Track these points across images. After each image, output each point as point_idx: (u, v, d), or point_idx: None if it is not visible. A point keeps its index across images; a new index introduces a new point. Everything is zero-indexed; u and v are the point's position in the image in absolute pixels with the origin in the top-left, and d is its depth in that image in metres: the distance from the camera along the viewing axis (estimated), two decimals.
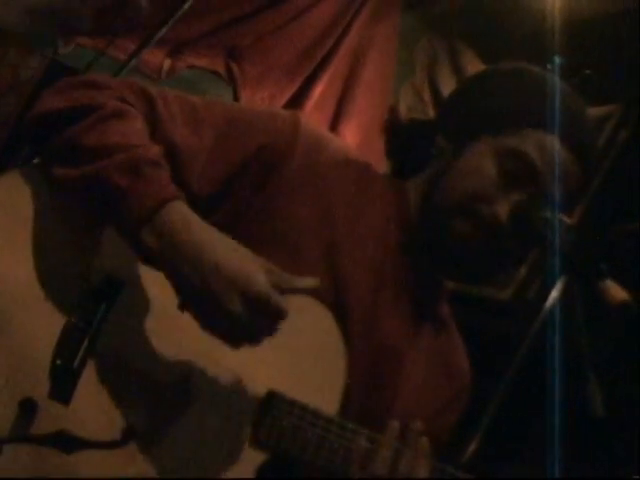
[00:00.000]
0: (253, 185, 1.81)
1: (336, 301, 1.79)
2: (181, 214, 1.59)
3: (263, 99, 4.87)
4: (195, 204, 1.74)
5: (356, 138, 4.96)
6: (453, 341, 2.04)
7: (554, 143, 1.83)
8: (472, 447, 3.13)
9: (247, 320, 1.55)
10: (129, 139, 1.65)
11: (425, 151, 1.96)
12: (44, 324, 1.64)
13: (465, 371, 2.03)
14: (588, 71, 3.92)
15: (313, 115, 4.92)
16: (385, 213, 1.92)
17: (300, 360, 1.73)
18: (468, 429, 3.12)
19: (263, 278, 1.57)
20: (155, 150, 1.66)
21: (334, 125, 4.99)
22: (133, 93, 1.77)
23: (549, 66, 3.95)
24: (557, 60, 4.07)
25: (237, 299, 1.54)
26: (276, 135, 1.84)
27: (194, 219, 1.60)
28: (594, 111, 4.32)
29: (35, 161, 1.78)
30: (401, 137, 2.03)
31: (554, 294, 3.03)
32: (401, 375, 1.89)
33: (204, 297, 1.54)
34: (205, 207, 1.77)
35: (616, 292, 1.69)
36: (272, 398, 1.70)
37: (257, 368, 1.69)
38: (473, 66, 5.21)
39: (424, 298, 1.95)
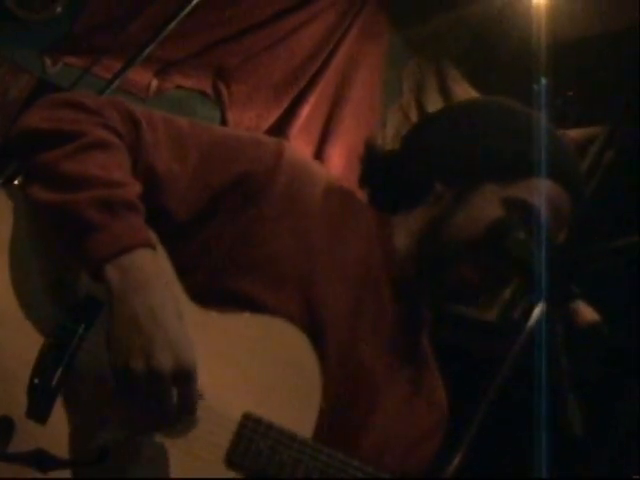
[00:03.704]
0: (233, 211, 1.82)
1: (313, 328, 1.79)
2: (148, 261, 1.62)
3: (250, 119, 4.88)
4: (174, 228, 1.77)
5: (342, 159, 4.97)
6: (431, 372, 2.04)
7: (555, 189, 1.90)
8: (454, 464, 3.14)
9: (165, 381, 1.57)
10: (110, 174, 1.66)
11: (404, 186, 1.99)
12: (23, 343, 1.64)
13: (443, 402, 2.03)
14: (571, 92, 3.95)
15: (300, 136, 4.93)
16: (368, 244, 1.92)
17: (275, 384, 1.73)
18: (450, 449, 3.13)
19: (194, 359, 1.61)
20: (134, 190, 1.68)
21: (321, 145, 5.00)
22: (119, 116, 1.77)
23: (535, 87, 3.98)
24: (543, 81, 4.09)
25: (170, 358, 1.56)
26: (258, 163, 1.84)
27: (158, 270, 1.64)
28: (578, 132, 4.34)
29: (17, 181, 1.78)
30: (377, 169, 2.04)
31: (535, 314, 3.04)
32: (377, 402, 1.89)
33: (143, 336, 1.56)
34: (185, 231, 1.80)
35: (586, 313, 1.70)
36: (249, 420, 1.70)
37: (233, 390, 1.70)
38: (460, 87, 5.23)
39: (404, 329, 1.96)
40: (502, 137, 1.93)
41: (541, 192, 1.87)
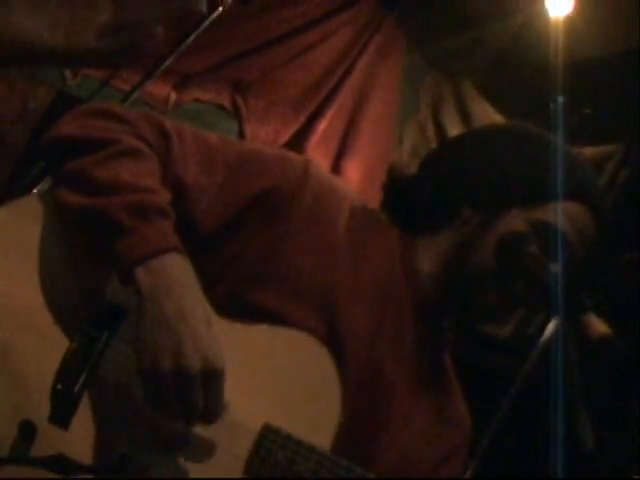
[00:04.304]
0: (258, 226, 1.84)
1: (333, 342, 1.79)
2: (179, 266, 1.65)
3: (267, 133, 4.90)
4: (199, 240, 1.80)
5: (359, 174, 4.97)
6: (453, 389, 2.04)
7: (578, 210, 1.92)
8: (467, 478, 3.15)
9: (194, 381, 1.59)
10: (140, 180, 1.69)
11: (429, 210, 1.99)
12: (47, 348, 1.66)
13: (466, 419, 2.04)
14: (588, 110, 3.95)
15: (317, 149, 4.94)
16: (390, 264, 1.94)
17: (295, 396, 1.74)
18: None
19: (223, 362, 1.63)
20: (164, 197, 1.70)
21: (337, 160, 5.01)
22: (150, 127, 1.80)
23: (552, 105, 3.99)
24: (560, 100, 4.10)
25: (199, 358, 1.59)
26: (285, 179, 1.87)
27: (188, 275, 1.66)
28: (594, 150, 4.35)
29: (36, 190, 1.80)
30: (400, 193, 2.05)
31: (549, 329, 3.06)
32: (398, 419, 1.90)
33: (172, 337, 1.59)
34: (209, 243, 1.82)
35: (597, 326, 1.71)
36: (268, 431, 1.71)
37: (253, 401, 1.71)
38: (477, 104, 5.24)
39: (425, 349, 1.96)
40: (525, 163, 1.94)
41: (562, 213, 1.88)
